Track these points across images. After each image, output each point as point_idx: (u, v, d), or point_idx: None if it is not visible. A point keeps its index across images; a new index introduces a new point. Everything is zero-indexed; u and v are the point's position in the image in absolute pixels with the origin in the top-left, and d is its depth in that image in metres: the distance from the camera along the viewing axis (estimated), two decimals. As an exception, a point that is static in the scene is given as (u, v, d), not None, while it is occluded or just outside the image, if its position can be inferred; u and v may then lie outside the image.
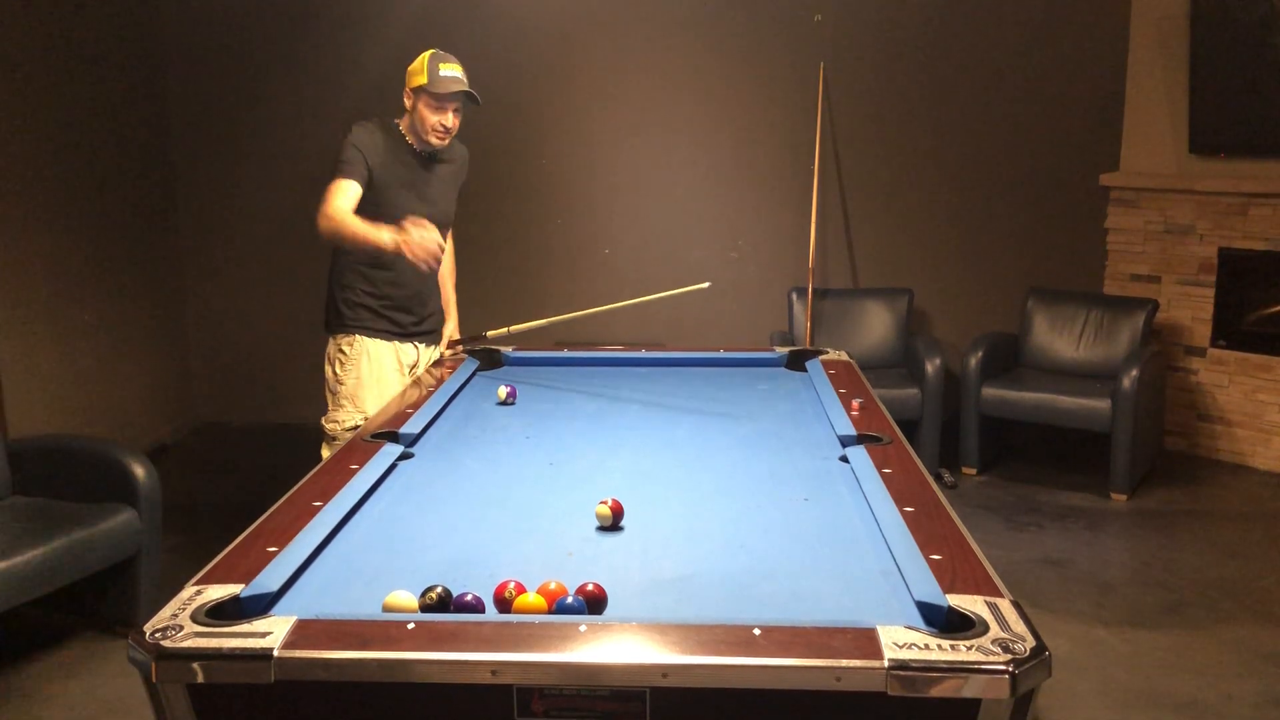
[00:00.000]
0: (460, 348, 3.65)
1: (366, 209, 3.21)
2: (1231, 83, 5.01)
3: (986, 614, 1.59)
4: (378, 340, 3.41)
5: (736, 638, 1.53)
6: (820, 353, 3.57)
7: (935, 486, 2.24)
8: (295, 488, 2.26)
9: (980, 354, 5.05)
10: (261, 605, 1.69)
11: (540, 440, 2.73)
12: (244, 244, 5.80)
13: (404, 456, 2.54)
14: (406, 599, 1.69)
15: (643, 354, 3.69)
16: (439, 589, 1.71)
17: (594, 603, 1.70)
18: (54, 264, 4.68)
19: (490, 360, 3.55)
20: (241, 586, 1.72)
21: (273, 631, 1.54)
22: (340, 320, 3.41)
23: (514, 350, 3.65)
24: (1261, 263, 5.09)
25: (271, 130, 5.67)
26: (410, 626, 1.57)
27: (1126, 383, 4.68)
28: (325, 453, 3.39)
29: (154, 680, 1.51)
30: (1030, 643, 1.50)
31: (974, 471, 5.10)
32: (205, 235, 5.81)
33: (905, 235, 5.71)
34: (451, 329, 3.75)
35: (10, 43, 4.40)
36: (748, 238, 5.75)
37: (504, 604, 1.71)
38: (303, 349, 5.51)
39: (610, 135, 5.71)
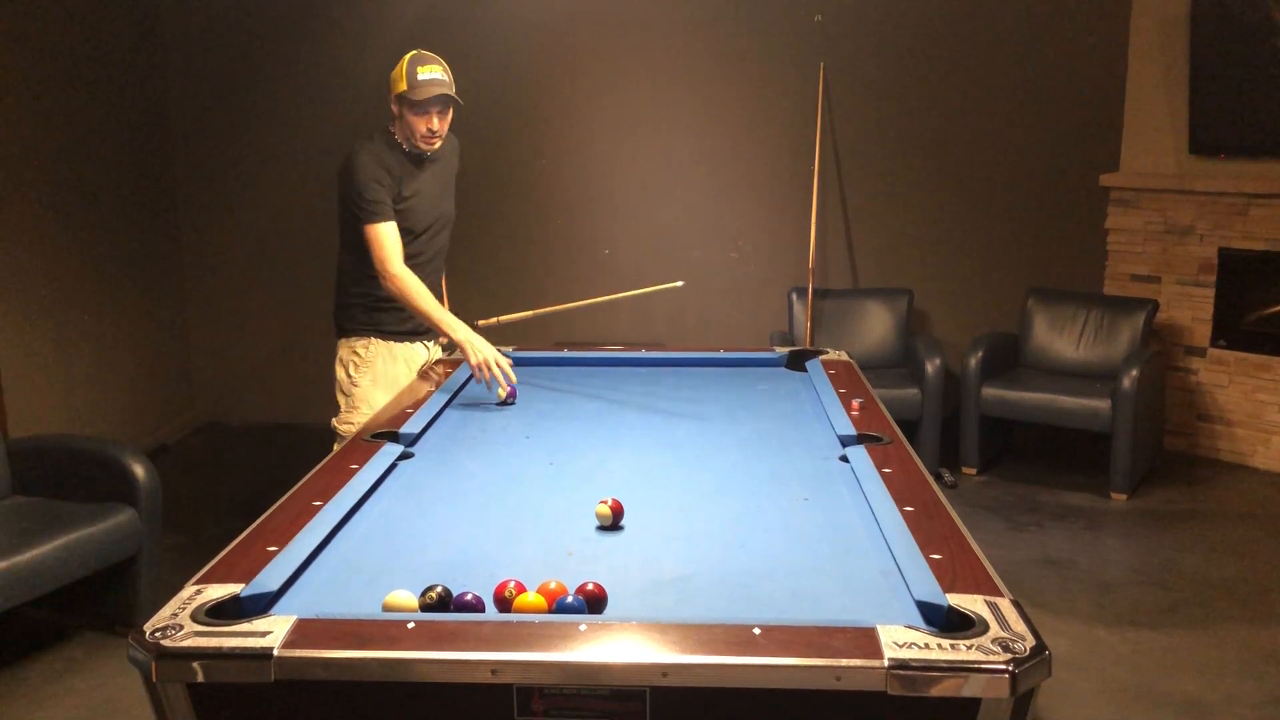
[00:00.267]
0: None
1: None
2: (1231, 83, 5.01)
3: (986, 613, 1.59)
4: (390, 341, 3.43)
5: (736, 637, 1.53)
6: (820, 353, 3.57)
7: (935, 486, 2.24)
8: (295, 487, 2.26)
9: (980, 354, 5.05)
10: (261, 605, 1.69)
11: (540, 440, 2.73)
12: (244, 244, 5.80)
13: (404, 456, 2.54)
14: (406, 598, 1.69)
15: (643, 354, 3.69)
16: (439, 588, 1.71)
17: (594, 602, 1.71)
18: (54, 264, 4.68)
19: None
20: (241, 586, 1.72)
21: (273, 631, 1.54)
22: (354, 323, 3.41)
23: (514, 350, 3.64)
24: (1261, 263, 5.09)
25: (272, 130, 5.67)
26: (410, 626, 1.57)
27: (1126, 383, 4.68)
28: None
29: (154, 680, 1.51)
30: (1030, 642, 1.51)
31: (974, 471, 5.10)
32: (205, 235, 5.81)
33: (905, 235, 5.71)
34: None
35: (10, 44, 4.40)
36: (748, 238, 5.75)
37: (504, 603, 1.71)
38: (303, 348, 5.53)
39: (610, 135, 5.71)
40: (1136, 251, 5.51)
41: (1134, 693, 3.14)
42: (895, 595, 1.76)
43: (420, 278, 3.33)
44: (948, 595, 1.66)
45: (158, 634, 1.54)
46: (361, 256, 3.30)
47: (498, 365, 3.06)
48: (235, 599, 1.68)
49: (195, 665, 1.50)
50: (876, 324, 5.46)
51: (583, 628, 1.57)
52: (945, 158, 5.62)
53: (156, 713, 1.56)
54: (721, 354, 3.63)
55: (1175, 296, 5.38)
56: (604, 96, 5.68)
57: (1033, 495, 4.83)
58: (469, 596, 1.71)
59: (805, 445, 2.65)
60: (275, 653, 1.50)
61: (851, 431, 2.63)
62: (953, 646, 1.49)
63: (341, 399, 3.44)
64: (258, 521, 2.04)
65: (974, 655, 1.47)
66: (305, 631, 1.55)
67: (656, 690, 1.50)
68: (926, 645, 1.49)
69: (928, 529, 1.97)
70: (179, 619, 1.59)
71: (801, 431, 2.78)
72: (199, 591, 1.69)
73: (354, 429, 3.36)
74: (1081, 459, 5.19)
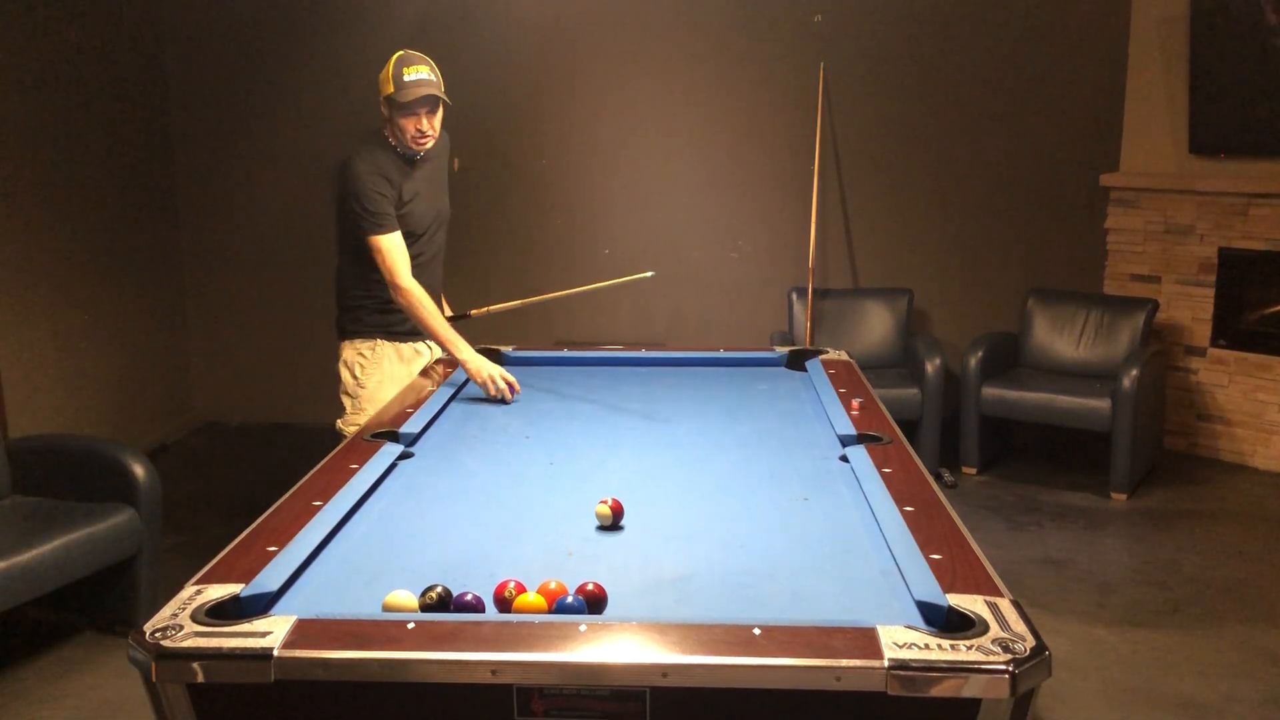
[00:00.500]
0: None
1: None
2: (1231, 83, 5.01)
3: (986, 614, 1.59)
4: (396, 342, 3.42)
5: (736, 638, 1.53)
6: (820, 352, 3.57)
7: (935, 486, 2.24)
8: (295, 487, 2.26)
9: (980, 354, 5.05)
10: (261, 605, 1.69)
11: (540, 440, 2.73)
12: (244, 244, 5.80)
13: (404, 456, 2.54)
14: (406, 599, 1.69)
15: (643, 354, 3.69)
16: (439, 589, 1.71)
17: (594, 602, 1.71)
18: (54, 264, 4.68)
19: (491, 360, 3.54)
20: (241, 586, 1.72)
21: (273, 631, 1.54)
22: (360, 325, 3.39)
23: (514, 350, 3.65)
24: (1261, 263, 5.09)
25: (272, 130, 5.67)
26: (410, 626, 1.57)
27: (1126, 383, 4.68)
28: None
29: (154, 680, 1.51)
30: (1030, 642, 1.51)
31: (974, 471, 5.10)
32: (206, 235, 5.81)
33: (905, 235, 5.71)
34: (444, 307, 3.73)
35: (10, 44, 4.40)
36: (748, 238, 5.74)
37: (504, 604, 1.71)
38: (303, 348, 5.53)
39: (610, 135, 5.71)
40: (1136, 251, 5.51)
41: (1134, 693, 3.14)
42: (895, 595, 1.76)
43: (422, 277, 3.33)
44: (948, 595, 1.66)
45: (158, 634, 1.54)
46: (362, 259, 3.29)
47: (503, 379, 3.09)
48: (235, 599, 1.68)
49: (195, 665, 1.50)
50: (876, 324, 5.46)
51: (583, 628, 1.57)
52: (945, 158, 5.62)
53: (156, 713, 1.56)
54: (721, 354, 3.63)
55: (1175, 296, 5.38)
56: (604, 96, 5.68)
57: (1033, 495, 4.83)
58: (469, 597, 1.71)
59: (805, 445, 2.65)
60: (275, 653, 1.50)
61: (851, 431, 2.63)
62: (953, 647, 1.49)
63: (347, 401, 3.42)
64: (258, 521, 2.04)
65: (974, 656, 1.47)
66: (305, 632, 1.55)
67: (656, 690, 1.50)
68: (926, 646, 1.49)
69: (928, 529, 1.97)
70: (179, 619, 1.59)
71: (801, 431, 2.78)
72: (199, 591, 1.69)
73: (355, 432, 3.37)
74: (1081, 459, 5.18)
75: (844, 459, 2.49)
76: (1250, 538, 4.36)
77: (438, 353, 3.55)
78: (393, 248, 3.22)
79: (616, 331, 5.75)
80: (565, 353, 3.70)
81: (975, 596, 1.65)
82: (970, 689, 1.46)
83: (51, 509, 3.38)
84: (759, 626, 1.55)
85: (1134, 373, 4.69)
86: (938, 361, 5.03)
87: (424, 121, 3.23)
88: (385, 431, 2.65)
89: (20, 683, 3.20)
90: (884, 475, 2.28)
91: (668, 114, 5.67)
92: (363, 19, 5.50)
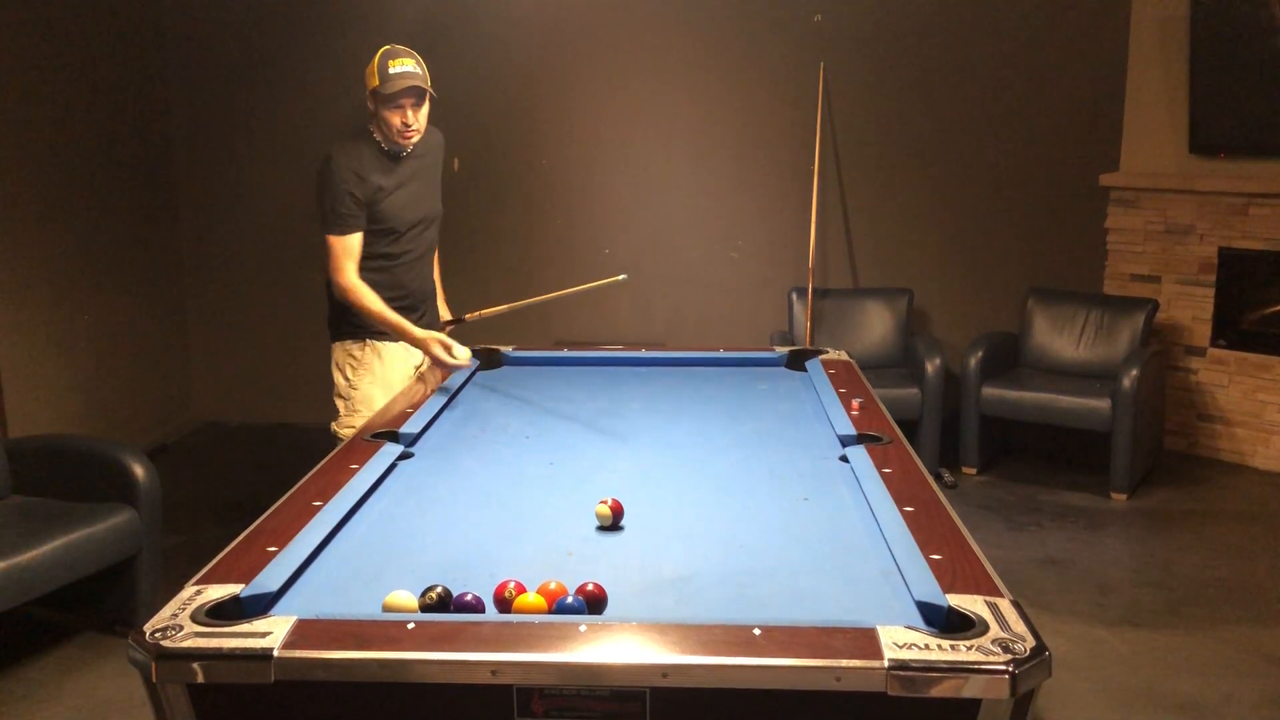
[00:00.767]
0: (450, 329, 3.64)
1: (368, 230, 3.25)
2: (1231, 83, 5.01)
3: (986, 614, 1.59)
4: (387, 343, 3.39)
5: (736, 638, 1.53)
6: (820, 352, 3.57)
7: (935, 486, 2.24)
8: (295, 488, 2.26)
9: (980, 354, 5.05)
10: (261, 605, 1.69)
11: (540, 440, 2.73)
12: (244, 244, 5.80)
13: (404, 456, 2.54)
14: (406, 599, 1.69)
15: (643, 354, 3.69)
16: (439, 589, 1.71)
17: (594, 603, 1.70)
18: (54, 264, 4.68)
19: (490, 360, 3.55)
20: (241, 586, 1.72)
21: (273, 631, 1.54)
22: (349, 325, 3.36)
23: (514, 350, 3.65)
24: (1261, 263, 5.09)
25: (272, 131, 5.67)
26: (410, 626, 1.57)
27: (1126, 383, 4.68)
28: None
29: (154, 680, 1.51)
30: (1030, 643, 1.51)
31: (974, 471, 5.10)
32: (206, 235, 5.81)
33: (905, 235, 5.71)
34: (442, 310, 3.70)
35: (10, 45, 4.40)
36: (748, 238, 5.75)
37: (504, 604, 1.71)
38: (303, 349, 5.52)
39: (610, 135, 5.71)
40: (1136, 251, 5.51)
41: (1134, 693, 3.14)
42: (895, 595, 1.76)
43: (409, 275, 3.32)
44: (948, 596, 1.66)
45: (158, 634, 1.54)
46: None
47: (449, 347, 3.16)
48: (235, 599, 1.68)
49: (195, 666, 1.50)
50: (876, 324, 5.46)
51: (583, 628, 1.57)
52: (945, 157, 5.62)
53: (156, 713, 1.56)
54: (721, 354, 3.63)
55: (1175, 296, 5.38)
56: (604, 97, 5.68)
57: (1033, 495, 4.83)
58: (469, 597, 1.70)
59: (805, 445, 2.65)
60: (275, 653, 1.50)
61: (851, 431, 2.63)
62: (953, 647, 1.49)
63: (340, 403, 3.40)
64: (258, 521, 2.04)
65: (974, 656, 1.47)
66: (305, 632, 1.55)
67: (656, 691, 1.50)
68: (926, 646, 1.49)
69: (928, 529, 1.97)
70: (179, 619, 1.59)
71: (801, 431, 2.78)
72: (199, 592, 1.69)
73: (355, 433, 3.36)
74: (1081, 459, 5.18)
75: (844, 459, 2.49)
76: (1250, 538, 4.36)
77: None
78: (341, 249, 3.21)
79: (616, 331, 5.75)
80: (565, 353, 3.70)
81: (975, 597, 1.65)
82: (970, 689, 1.46)
83: (51, 509, 3.38)
84: (759, 627, 1.55)
85: (1134, 373, 4.69)
86: (938, 361, 5.03)
87: (409, 114, 3.21)
88: (385, 432, 2.64)
89: (20, 683, 3.20)
90: (884, 475, 2.28)
91: (668, 114, 5.67)
92: (363, 20, 5.50)
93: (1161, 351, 5.21)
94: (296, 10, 5.56)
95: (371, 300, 3.22)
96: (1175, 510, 4.66)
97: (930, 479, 2.29)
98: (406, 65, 3.19)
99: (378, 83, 3.17)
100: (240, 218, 5.77)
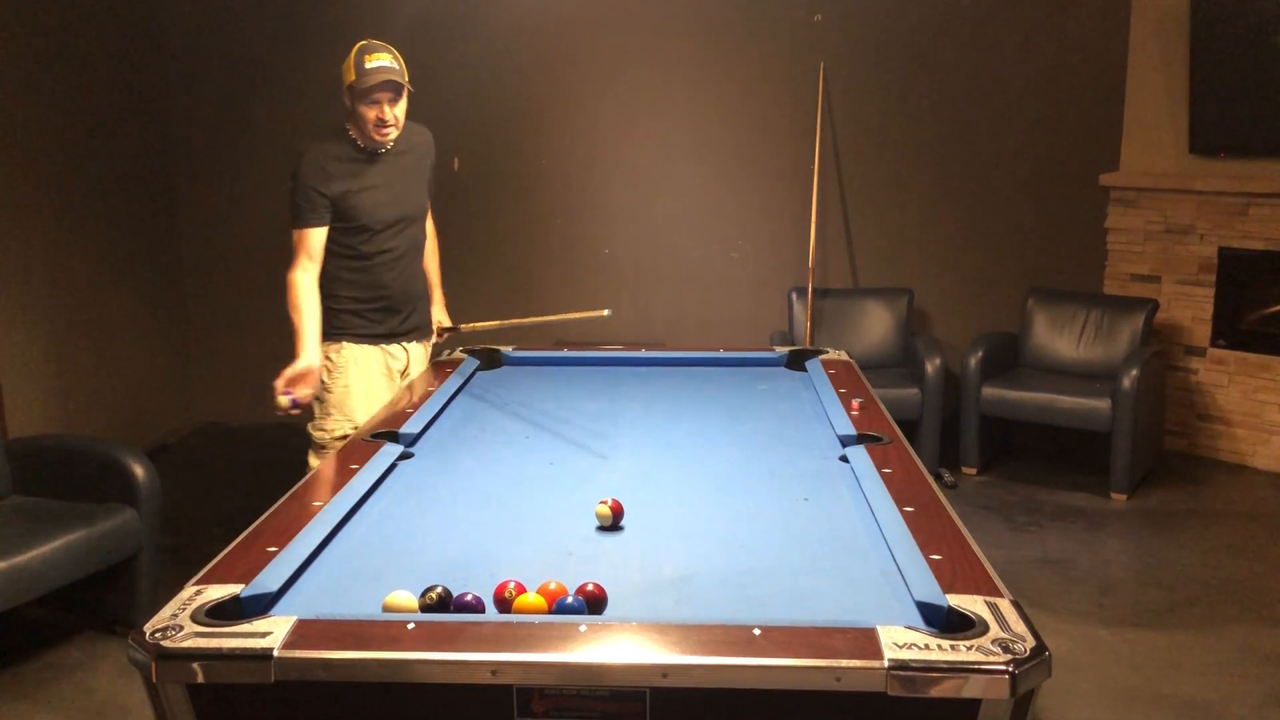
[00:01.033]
0: (446, 336, 3.63)
1: (338, 228, 3.23)
2: (1231, 83, 5.01)
3: (986, 614, 1.59)
4: (364, 345, 3.33)
5: (736, 638, 1.53)
6: (820, 352, 3.57)
7: (935, 486, 2.24)
8: (295, 487, 2.26)
9: (980, 354, 5.05)
10: (261, 605, 1.69)
11: (540, 440, 2.73)
12: (244, 244, 5.79)
13: (404, 456, 2.54)
14: (406, 599, 1.69)
15: (643, 354, 3.69)
16: (439, 589, 1.71)
17: (594, 603, 1.70)
18: (54, 264, 4.68)
19: (490, 360, 3.55)
20: (241, 586, 1.72)
21: (273, 631, 1.54)
22: (326, 326, 3.28)
23: (514, 350, 3.65)
24: (1261, 263, 5.09)
25: (272, 131, 5.66)
26: (410, 626, 1.57)
27: (1126, 383, 4.68)
28: (313, 460, 3.31)
29: (154, 680, 1.52)
30: (1030, 643, 1.51)
31: (974, 471, 5.10)
32: (205, 235, 5.80)
33: (905, 235, 5.71)
34: (440, 315, 3.65)
35: (11, 46, 4.40)
36: (748, 238, 5.75)
37: (504, 604, 1.71)
38: (303, 349, 5.52)
39: (610, 135, 5.71)
40: (1136, 251, 5.51)
41: (1134, 693, 3.14)
42: (895, 596, 1.76)
43: (390, 275, 3.29)
44: (948, 596, 1.66)
45: (158, 634, 1.54)
46: (325, 262, 3.27)
47: (288, 394, 3.12)
48: (235, 599, 1.68)
49: (195, 666, 1.50)
50: (876, 324, 5.46)
51: (583, 628, 1.57)
52: (945, 157, 5.62)
53: (156, 713, 1.56)
54: (721, 354, 3.63)
55: (1175, 296, 5.38)
56: (604, 96, 5.68)
57: (1033, 495, 4.83)
58: (469, 597, 1.71)
59: (805, 445, 2.65)
60: (275, 653, 1.50)
61: (851, 431, 2.63)
62: (953, 647, 1.49)
63: (315, 404, 3.33)
64: (258, 521, 2.04)
65: (974, 656, 1.47)
66: (305, 632, 1.55)
67: (656, 691, 1.50)
68: (926, 646, 1.49)
69: (928, 529, 1.97)
70: (179, 619, 1.59)
71: (801, 431, 2.78)
72: (199, 592, 1.69)
73: (327, 436, 3.30)
74: (1081, 459, 5.18)
75: (844, 459, 2.49)
76: (1250, 538, 4.36)
77: (414, 356, 3.45)
78: (297, 242, 3.24)
79: (616, 331, 5.75)
80: (565, 353, 3.70)
81: (975, 597, 1.65)
82: (970, 689, 1.46)
83: (51, 509, 3.38)
84: (759, 627, 1.55)
85: (1134, 373, 4.69)
86: (938, 361, 5.03)
87: (385, 110, 3.16)
88: (385, 432, 2.65)
89: (20, 682, 3.20)
90: (884, 475, 2.28)
91: (668, 114, 5.67)
92: (363, 22, 5.49)
93: (1161, 351, 5.21)
94: (296, 12, 5.56)
95: (298, 304, 3.23)
96: (1175, 510, 4.66)
97: (930, 479, 2.29)
98: (383, 60, 3.15)
99: (354, 78, 3.14)
100: (240, 218, 5.76)
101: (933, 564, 1.79)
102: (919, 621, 1.63)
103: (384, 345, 3.37)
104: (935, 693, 1.46)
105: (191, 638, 1.53)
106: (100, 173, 5.04)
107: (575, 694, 1.51)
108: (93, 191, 4.98)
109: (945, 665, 1.46)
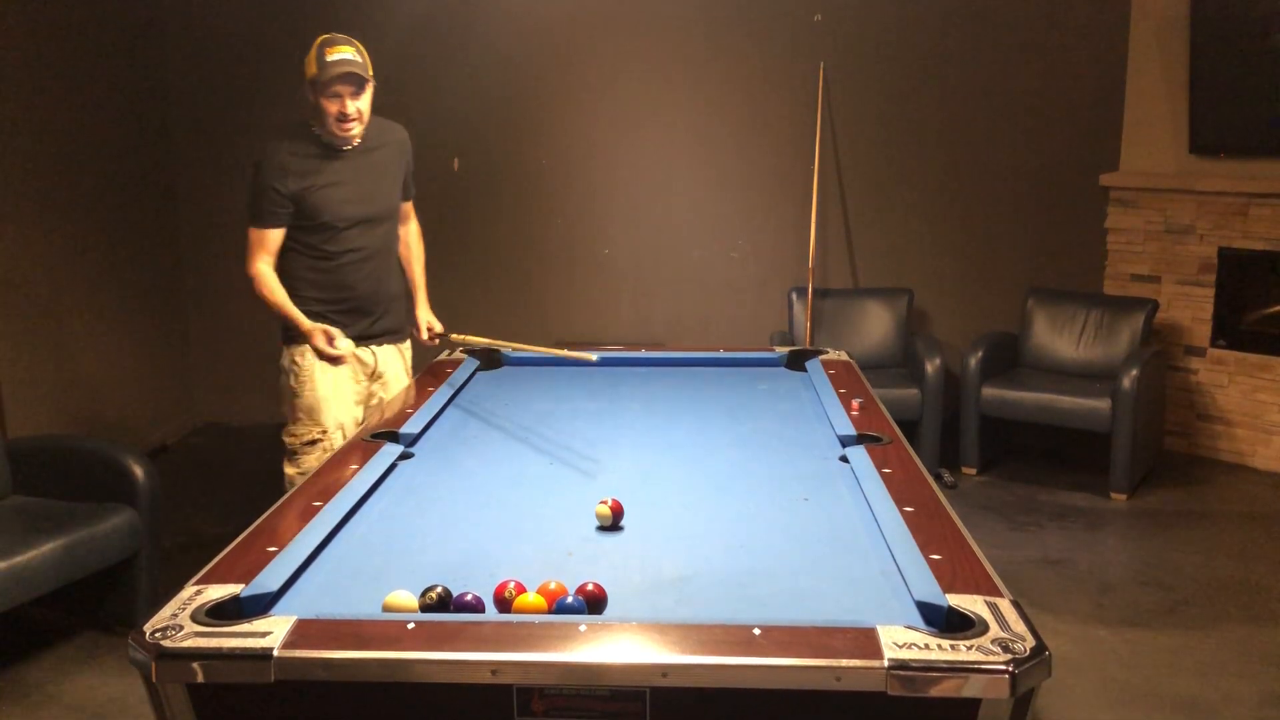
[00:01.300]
0: (435, 340, 3.57)
1: (300, 226, 3.18)
2: (1231, 83, 5.01)
3: (986, 614, 1.59)
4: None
5: (736, 638, 1.53)
6: (820, 352, 3.57)
7: (935, 486, 2.24)
8: (295, 487, 2.26)
9: (980, 354, 5.05)
10: (261, 605, 1.69)
11: (540, 440, 2.72)
12: (244, 244, 5.77)
13: (404, 456, 2.54)
14: (406, 599, 1.69)
15: (643, 354, 3.69)
16: (439, 589, 1.71)
17: (594, 603, 1.71)
18: (54, 264, 4.68)
19: (490, 360, 3.55)
20: (241, 586, 1.72)
21: (273, 631, 1.54)
22: (294, 330, 3.22)
23: (514, 350, 3.64)
24: (1261, 263, 5.09)
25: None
26: (410, 626, 1.57)
27: (1126, 383, 4.68)
28: (288, 469, 3.27)
29: (154, 680, 1.52)
30: (1030, 642, 1.51)
31: (974, 471, 5.10)
32: (206, 235, 5.80)
33: (905, 235, 5.71)
34: (428, 316, 3.58)
35: (11, 47, 4.40)
36: (748, 238, 5.74)
37: (504, 604, 1.71)
38: (303, 349, 5.52)
39: (610, 135, 5.71)
40: (1136, 251, 5.51)
41: (1134, 693, 3.14)
42: (895, 595, 1.76)
43: (358, 276, 3.24)
44: (947, 595, 1.66)
45: (158, 634, 1.54)
46: (288, 261, 3.23)
47: (325, 336, 3.17)
48: (235, 599, 1.68)
49: (195, 666, 1.50)
50: (876, 324, 5.46)
51: (583, 628, 1.57)
52: (945, 158, 5.62)
53: (156, 713, 1.56)
54: (721, 354, 3.63)
55: (1175, 296, 5.38)
56: (604, 96, 5.68)
57: (1033, 495, 4.83)
58: (469, 597, 1.71)
59: (805, 445, 2.65)
60: (275, 653, 1.50)
61: (851, 431, 2.63)
62: (952, 647, 1.49)
63: (286, 410, 3.30)
64: (258, 521, 2.04)
65: (974, 656, 1.47)
66: (305, 632, 1.55)
67: (656, 690, 1.50)
68: (926, 646, 1.49)
69: (928, 529, 1.97)
70: (179, 619, 1.59)
71: (801, 431, 2.78)
72: (199, 592, 1.69)
73: (297, 441, 3.26)
74: (1081, 459, 5.18)
75: (844, 459, 2.49)
76: (1250, 538, 4.36)
77: (386, 355, 3.39)
78: (254, 240, 3.19)
79: (616, 331, 5.75)
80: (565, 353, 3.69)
81: (975, 596, 1.65)
82: (970, 689, 1.46)
83: (51, 509, 3.38)
84: (759, 626, 1.55)
85: (1134, 373, 4.69)
86: (938, 361, 5.03)
87: (347, 103, 3.09)
88: (385, 432, 2.65)
89: (20, 682, 3.20)
90: (884, 475, 2.28)
91: (668, 114, 5.67)
92: (363, 23, 5.48)
93: (1161, 351, 5.21)
94: (296, 11, 5.56)
95: (270, 290, 3.18)
96: (1175, 510, 4.66)
97: (930, 479, 2.29)
98: (344, 53, 3.09)
99: (315, 71, 3.08)
100: (240, 218, 5.73)
101: (932, 564, 1.79)
102: (919, 621, 1.63)
103: (353, 351, 3.29)
104: (935, 692, 1.46)
105: (191, 638, 1.53)
106: (100, 173, 5.04)
107: (575, 694, 1.51)
108: (93, 191, 4.98)
109: (945, 665, 1.46)
